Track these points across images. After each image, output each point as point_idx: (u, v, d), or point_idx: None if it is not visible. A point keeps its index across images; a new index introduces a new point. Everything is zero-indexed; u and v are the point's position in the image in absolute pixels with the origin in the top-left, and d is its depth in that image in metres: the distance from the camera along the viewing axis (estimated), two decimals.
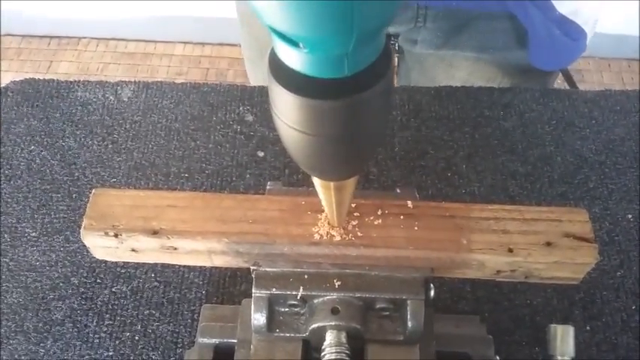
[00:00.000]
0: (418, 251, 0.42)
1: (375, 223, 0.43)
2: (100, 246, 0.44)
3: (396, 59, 0.90)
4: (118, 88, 0.80)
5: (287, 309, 0.45)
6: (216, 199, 0.44)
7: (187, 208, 0.44)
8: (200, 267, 0.65)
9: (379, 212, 0.44)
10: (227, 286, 0.64)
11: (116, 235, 0.43)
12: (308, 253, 0.43)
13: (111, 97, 0.79)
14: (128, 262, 0.65)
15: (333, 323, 0.43)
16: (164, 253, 0.44)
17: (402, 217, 0.44)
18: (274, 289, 0.43)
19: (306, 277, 0.44)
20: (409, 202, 0.44)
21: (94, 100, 0.79)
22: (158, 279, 0.64)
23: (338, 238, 0.43)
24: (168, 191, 0.47)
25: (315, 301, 0.44)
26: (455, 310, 0.61)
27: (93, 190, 0.45)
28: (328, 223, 0.43)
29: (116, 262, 0.65)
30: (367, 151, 0.35)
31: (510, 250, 0.42)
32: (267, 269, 0.44)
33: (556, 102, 0.79)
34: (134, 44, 2.28)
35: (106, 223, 0.43)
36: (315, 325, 0.43)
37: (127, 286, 0.64)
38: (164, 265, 0.65)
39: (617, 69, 2.27)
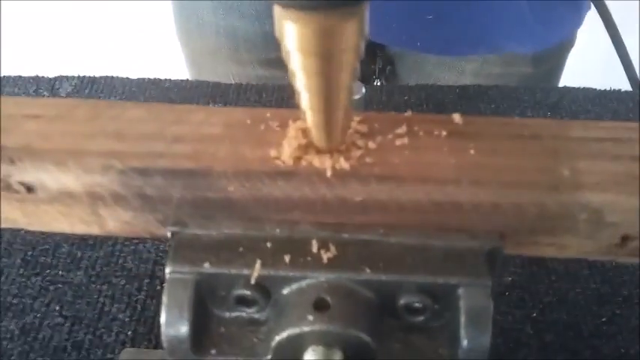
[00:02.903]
0: (479, 190, 0.23)
1: (397, 143, 0.24)
2: None
3: (386, 67, 0.75)
4: (56, 83, 0.63)
5: (233, 313, 0.24)
6: (115, 107, 0.25)
7: (60, 119, 0.25)
8: (127, 298, 0.44)
9: (403, 129, 0.24)
10: None
11: None
12: (273, 197, 0.23)
13: (45, 93, 0.62)
14: (24, 290, 0.44)
15: (316, 328, 0.22)
16: (12, 202, 0.24)
17: (444, 134, 0.24)
18: (207, 265, 0.23)
19: (268, 245, 0.23)
20: (457, 116, 0.25)
21: (24, 96, 0.62)
22: (64, 313, 0.43)
23: (329, 170, 0.23)
24: (36, 98, 0.27)
25: (286, 290, 0.23)
26: None
27: None
28: (312, 144, 0.24)
29: (7, 289, 0.44)
30: None
31: None
32: (198, 232, 0.24)
33: (617, 103, 0.61)
34: None
35: None
36: (284, 335, 0.22)
37: (17, 323, 0.42)
38: (76, 294, 0.44)
39: None
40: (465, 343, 0.23)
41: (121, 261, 0.46)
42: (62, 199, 0.24)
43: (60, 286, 0.44)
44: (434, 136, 0.24)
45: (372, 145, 0.24)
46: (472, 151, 0.23)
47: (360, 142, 0.24)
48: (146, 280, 0.45)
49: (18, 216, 0.25)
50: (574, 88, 0.63)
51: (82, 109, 0.25)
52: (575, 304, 0.43)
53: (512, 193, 0.23)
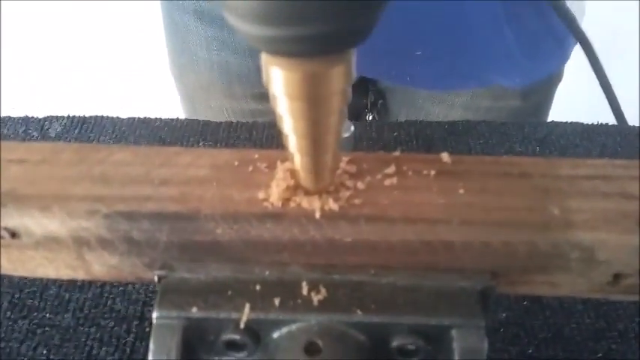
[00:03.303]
0: (469, 229, 0.22)
1: (386, 183, 0.24)
2: None
3: (377, 101, 0.76)
4: (46, 123, 0.63)
5: (222, 359, 0.24)
6: (101, 151, 0.25)
7: (45, 163, 0.24)
8: (116, 340, 0.43)
9: (392, 169, 0.24)
10: None
11: None
12: (262, 240, 0.23)
13: (34, 134, 0.62)
14: (11, 333, 0.43)
15: None
16: None
17: (432, 173, 0.24)
18: (195, 309, 0.22)
19: (258, 288, 0.23)
20: (445, 155, 0.25)
21: (12, 137, 0.61)
22: (52, 357, 0.42)
23: (318, 211, 0.23)
24: (20, 143, 0.27)
25: (276, 334, 0.23)
26: None
27: None
28: (300, 185, 0.24)
29: None
30: None
31: None
32: (186, 275, 0.23)
33: (604, 137, 0.62)
34: None
35: None
36: None
37: None
38: (63, 337, 0.43)
39: None
40: None
41: (109, 302, 0.45)
42: (47, 244, 0.23)
43: (47, 329, 0.43)
44: (423, 175, 0.24)
45: (360, 185, 0.23)
46: (461, 191, 0.23)
47: (349, 183, 0.24)
48: (135, 322, 0.44)
49: (2, 262, 0.24)
50: (562, 122, 0.63)
51: (68, 153, 0.25)
52: (571, 339, 0.43)
53: (502, 232, 0.22)
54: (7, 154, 0.25)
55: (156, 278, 0.24)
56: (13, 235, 0.23)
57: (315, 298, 0.23)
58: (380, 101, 0.77)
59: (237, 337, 0.23)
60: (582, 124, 0.63)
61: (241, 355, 0.23)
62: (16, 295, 0.46)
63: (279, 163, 0.24)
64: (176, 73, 0.74)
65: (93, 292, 0.46)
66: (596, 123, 0.64)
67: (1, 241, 0.23)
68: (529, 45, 0.62)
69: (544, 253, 0.22)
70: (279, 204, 0.23)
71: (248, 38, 0.18)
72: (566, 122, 0.63)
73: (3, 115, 0.64)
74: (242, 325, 0.22)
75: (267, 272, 0.23)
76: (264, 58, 0.19)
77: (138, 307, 0.45)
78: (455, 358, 0.22)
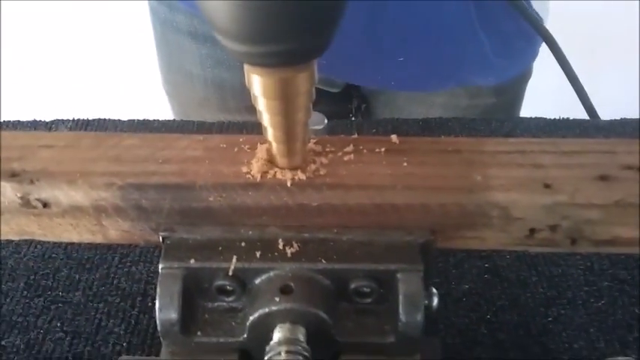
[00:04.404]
0: (410, 193, 0.28)
1: (345, 159, 0.29)
2: None
3: (361, 105, 0.81)
4: (53, 126, 0.68)
5: (215, 303, 0.29)
6: (114, 138, 0.31)
7: (69, 147, 0.30)
8: (122, 314, 0.48)
9: (350, 148, 0.30)
10: (158, 336, 0.47)
11: None
12: (245, 205, 0.29)
13: None
14: (28, 309, 0.49)
15: (282, 307, 0.27)
16: (30, 217, 0.30)
17: (383, 150, 0.30)
18: (193, 261, 0.28)
19: (242, 244, 0.29)
20: (394, 137, 0.31)
21: None
22: (65, 329, 0.47)
23: (289, 181, 0.29)
24: (47, 132, 0.33)
25: (257, 280, 0.28)
26: None
27: None
28: (275, 163, 0.29)
29: (12, 309, 0.49)
30: None
31: (547, 186, 0.28)
32: (185, 236, 0.29)
33: (565, 130, 0.68)
34: None
35: None
36: (256, 315, 0.28)
37: (22, 338, 0.47)
38: (75, 312, 0.48)
39: None
40: (403, 318, 0.28)
41: (115, 282, 0.50)
42: (72, 212, 0.29)
43: (60, 305, 0.49)
44: (375, 152, 0.30)
45: (324, 160, 0.29)
46: (405, 164, 0.29)
47: (315, 159, 0.29)
48: (139, 298, 0.49)
49: (35, 229, 0.30)
50: (526, 118, 0.69)
51: (87, 140, 0.30)
52: (525, 306, 0.48)
53: (437, 196, 0.28)
54: (37, 141, 0.30)
55: (161, 238, 0.29)
56: (45, 205, 0.29)
57: (289, 251, 0.28)
58: (363, 105, 0.83)
59: (226, 282, 0.28)
60: (545, 119, 0.69)
61: (230, 299, 0.29)
62: (32, 277, 0.51)
63: (259, 144, 0.30)
64: (170, 91, 0.79)
65: (100, 273, 0.51)
66: (558, 118, 0.70)
67: (35, 210, 0.29)
68: (501, 46, 0.68)
69: (470, 212, 0.28)
70: (259, 176, 0.29)
71: (232, 53, 0.24)
72: (531, 117, 0.69)
73: (14, 118, 0.69)
74: (230, 273, 0.28)
75: (250, 232, 0.29)
76: (246, 67, 0.25)
77: (141, 285, 0.50)
78: (399, 296, 0.28)
